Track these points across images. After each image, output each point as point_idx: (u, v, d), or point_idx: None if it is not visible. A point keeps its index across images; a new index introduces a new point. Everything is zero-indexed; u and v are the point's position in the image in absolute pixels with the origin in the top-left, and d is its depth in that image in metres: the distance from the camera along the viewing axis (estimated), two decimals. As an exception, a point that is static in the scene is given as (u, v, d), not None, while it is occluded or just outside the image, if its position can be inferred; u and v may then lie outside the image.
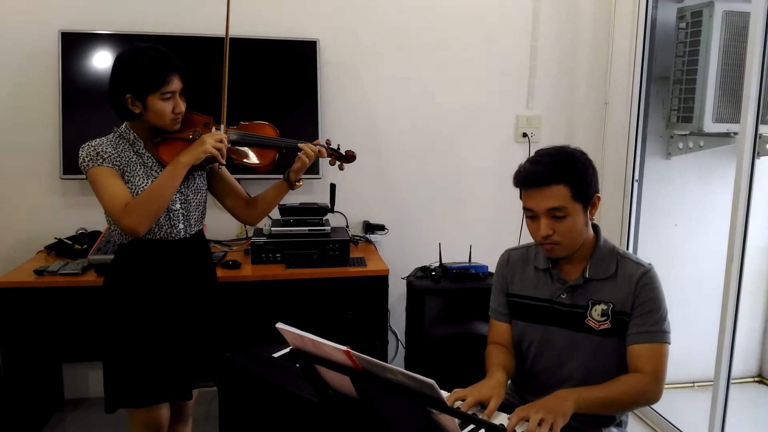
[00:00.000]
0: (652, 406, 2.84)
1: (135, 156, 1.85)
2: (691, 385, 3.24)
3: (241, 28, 2.72)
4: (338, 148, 2.08)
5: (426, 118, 3.20)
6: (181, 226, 1.91)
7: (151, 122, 1.84)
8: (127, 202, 1.77)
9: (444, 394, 1.19)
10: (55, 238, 2.81)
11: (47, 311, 2.55)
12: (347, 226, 3.15)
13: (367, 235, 3.17)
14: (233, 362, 1.58)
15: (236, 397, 1.62)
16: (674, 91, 2.99)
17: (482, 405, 1.45)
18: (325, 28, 3.03)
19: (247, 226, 3.03)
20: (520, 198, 1.63)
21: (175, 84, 1.81)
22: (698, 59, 2.80)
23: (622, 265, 1.61)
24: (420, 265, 2.90)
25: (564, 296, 1.64)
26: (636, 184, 3.09)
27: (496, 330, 1.77)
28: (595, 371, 1.60)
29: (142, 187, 1.82)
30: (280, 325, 1.24)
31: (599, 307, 1.60)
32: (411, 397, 1.11)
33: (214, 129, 1.94)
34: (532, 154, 1.65)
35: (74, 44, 2.78)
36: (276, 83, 2.95)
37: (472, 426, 1.38)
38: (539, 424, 1.33)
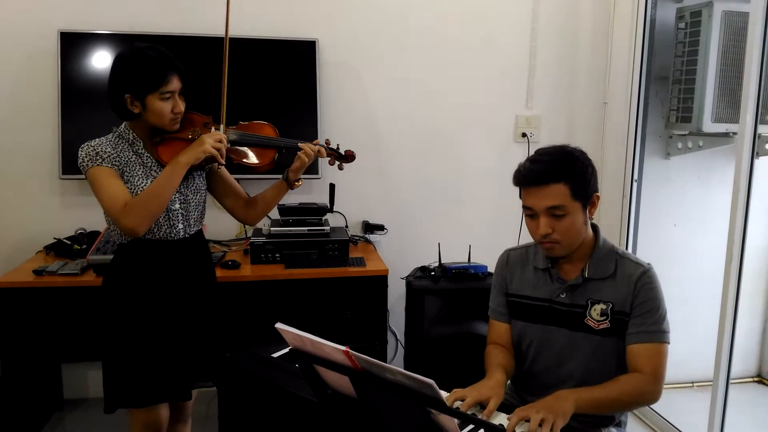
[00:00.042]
0: (652, 406, 2.84)
1: (134, 156, 1.85)
2: (691, 385, 3.24)
3: (241, 28, 2.72)
4: (338, 148, 2.08)
5: (425, 118, 3.20)
6: (181, 226, 1.91)
7: (150, 122, 1.84)
8: (127, 202, 1.77)
9: (443, 394, 1.19)
10: (54, 238, 2.81)
11: (46, 311, 2.55)
12: (346, 226, 3.15)
13: (367, 235, 3.17)
14: (233, 362, 1.58)
15: (236, 397, 1.62)
16: (673, 91, 2.99)
17: (481, 405, 1.45)
18: (324, 28, 3.03)
19: (246, 226, 3.03)
20: (520, 197, 1.63)
21: (175, 84, 1.81)
22: (697, 59, 2.80)
23: (622, 265, 1.61)
24: (419, 265, 2.90)
25: (563, 296, 1.64)
26: (635, 184, 3.09)
27: (496, 330, 1.77)
28: (595, 371, 1.60)
29: (142, 187, 1.82)
30: (279, 325, 1.24)
31: (598, 307, 1.60)
32: (410, 397, 1.11)
33: (213, 129, 1.94)
34: (532, 153, 1.65)
35: (73, 44, 2.78)
36: (275, 83, 2.95)
37: (471, 426, 1.38)
38: (540, 425, 1.33)
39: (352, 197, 3.15)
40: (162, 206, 1.81)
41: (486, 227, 3.31)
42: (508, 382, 1.71)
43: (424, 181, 3.25)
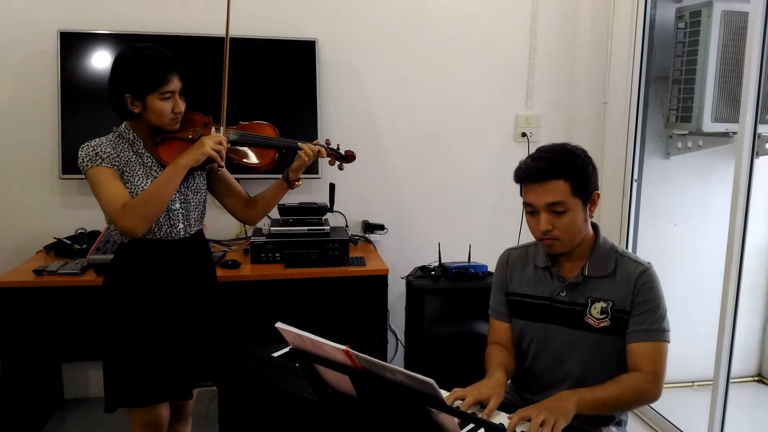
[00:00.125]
0: (652, 406, 2.84)
1: (134, 156, 1.85)
2: (691, 384, 3.24)
3: (240, 28, 2.71)
4: (338, 148, 2.08)
5: (425, 118, 3.21)
6: (181, 225, 1.91)
7: (150, 122, 1.84)
8: (126, 203, 1.77)
9: (443, 393, 1.19)
10: (55, 238, 2.81)
11: (47, 311, 2.55)
12: (346, 226, 3.15)
13: (367, 235, 3.17)
14: (233, 362, 1.58)
15: (236, 396, 1.62)
16: (673, 90, 2.99)
17: (482, 404, 1.45)
18: (324, 28, 3.03)
19: (246, 226, 3.03)
20: (521, 194, 1.63)
21: (175, 84, 1.81)
22: (697, 59, 2.80)
23: (621, 264, 1.62)
24: (419, 265, 2.90)
25: (563, 294, 1.65)
26: (635, 184, 3.09)
27: (496, 329, 1.78)
28: (595, 369, 1.60)
29: (142, 187, 1.82)
30: (279, 325, 1.24)
31: (599, 305, 1.60)
32: (410, 397, 1.11)
33: (213, 129, 1.94)
34: (533, 152, 1.65)
35: (73, 44, 2.78)
36: (275, 83, 2.96)
37: (471, 425, 1.38)
38: (541, 425, 1.33)
39: (352, 197, 3.15)
40: (161, 208, 1.81)
41: (486, 227, 3.31)
42: (509, 381, 1.71)
43: (424, 181, 3.25)
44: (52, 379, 2.95)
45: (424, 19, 3.13)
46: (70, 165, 2.75)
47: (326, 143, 2.06)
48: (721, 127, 2.79)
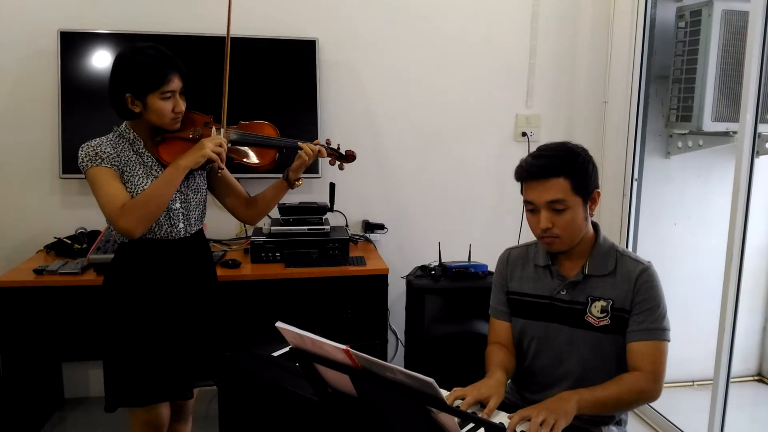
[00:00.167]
0: (652, 405, 2.84)
1: (135, 155, 1.85)
2: (691, 383, 3.24)
3: (240, 28, 2.71)
4: (338, 148, 2.08)
5: (425, 117, 3.21)
6: (181, 225, 1.91)
7: (151, 122, 1.84)
8: (124, 204, 1.77)
9: (443, 393, 1.19)
10: (55, 238, 2.81)
11: (47, 310, 2.55)
12: (347, 225, 3.15)
13: (367, 234, 3.17)
14: (233, 361, 1.58)
15: (236, 396, 1.62)
16: (673, 90, 2.99)
17: (482, 404, 1.45)
18: (324, 27, 3.03)
19: (246, 226, 3.03)
20: (521, 193, 1.64)
21: (175, 83, 1.81)
22: (697, 58, 2.80)
23: (622, 263, 1.62)
24: (419, 264, 2.90)
25: (563, 293, 1.65)
26: (635, 183, 3.09)
27: (497, 328, 1.78)
28: (595, 368, 1.61)
29: (142, 187, 1.82)
30: (279, 324, 1.24)
31: (599, 304, 1.60)
32: (410, 396, 1.11)
33: (214, 128, 1.94)
34: (533, 150, 1.66)
35: (73, 44, 2.78)
36: (275, 82, 2.95)
37: (471, 425, 1.38)
38: (541, 425, 1.33)
39: (353, 196, 3.15)
40: (160, 209, 1.81)
41: (486, 226, 3.31)
42: (509, 381, 1.71)
43: (425, 180, 3.25)
44: (52, 379, 2.95)
45: (424, 19, 3.13)
46: (70, 165, 2.75)
47: (326, 143, 2.06)
48: (721, 127, 2.79)
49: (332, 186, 2.84)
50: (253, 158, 2.00)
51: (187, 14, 2.91)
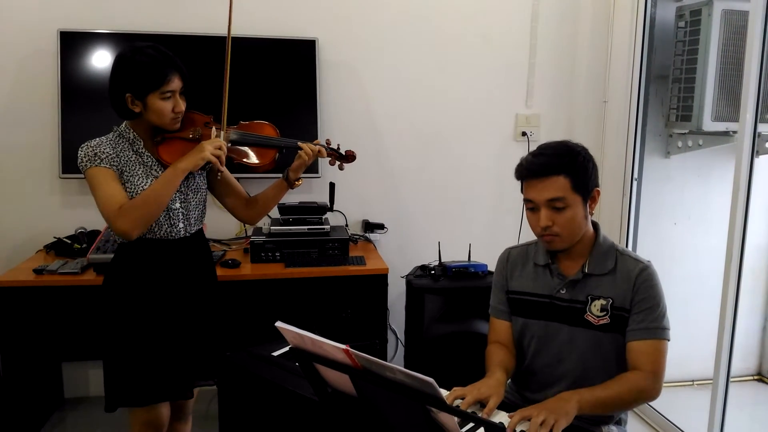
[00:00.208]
0: (652, 405, 2.84)
1: (134, 155, 1.85)
2: (691, 383, 3.24)
3: (240, 27, 2.70)
4: (338, 148, 2.08)
5: (425, 117, 3.21)
6: (181, 225, 1.91)
7: (151, 121, 1.84)
8: (122, 205, 1.76)
9: (443, 392, 1.20)
10: (55, 237, 2.81)
11: (47, 310, 2.55)
12: (346, 225, 3.15)
13: (367, 234, 3.17)
14: (233, 361, 1.58)
15: (236, 395, 1.62)
16: (673, 89, 2.99)
17: (481, 404, 1.45)
18: (323, 27, 3.03)
19: (246, 225, 3.03)
20: (521, 191, 1.64)
21: (175, 83, 1.81)
22: (697, 58, 2.80)
23: (621, 262, 1.62)
24: (419, 264, 2.90)
25: (563, 291, 1.65)
26: (635, 183, 3.09)
27: (497, 328, 1.78)
28: (594, 367, 1.61)
29: (142, 187, 1.82)
30: (279, 324, 1.24)
31: (598, 302, 1.61)
32: (410, 396, 1.11)
33: (214, 128, 1.94)
34: (534, 149, 1.66)
35: (73, 44, 2.78)
36: (275, 82, 2.95)
37: (471, 425, 1.38)
38: (541, 425, 1.33)
39: (352, 196, 3.15)
40: (158, 211, 1.81)
41: (486, 226, 3.31)
42: (509, 381, 1.72)
43: (424, 180, 3.25)
44: (52, 379, 2.95)
45: (424, 18, 3.13)
46: (70, 164, 2.75)
47: (326, 143, 2.06)
48: (721, 126, 2.79)
49: (332, 186, 2.84)
50: (253, 158, 2.00)
51: (187, 14, 2.91)
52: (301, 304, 2.63)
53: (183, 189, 1.91)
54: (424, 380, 1.07)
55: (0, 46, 2.81)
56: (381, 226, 3.18)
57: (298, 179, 2.03)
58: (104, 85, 1.84)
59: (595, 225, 1.68)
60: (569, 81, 3.32)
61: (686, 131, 2.98)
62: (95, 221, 2.74)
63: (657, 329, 1.55)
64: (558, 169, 1.55)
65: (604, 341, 1.60)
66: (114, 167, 1.80)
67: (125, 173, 1.82)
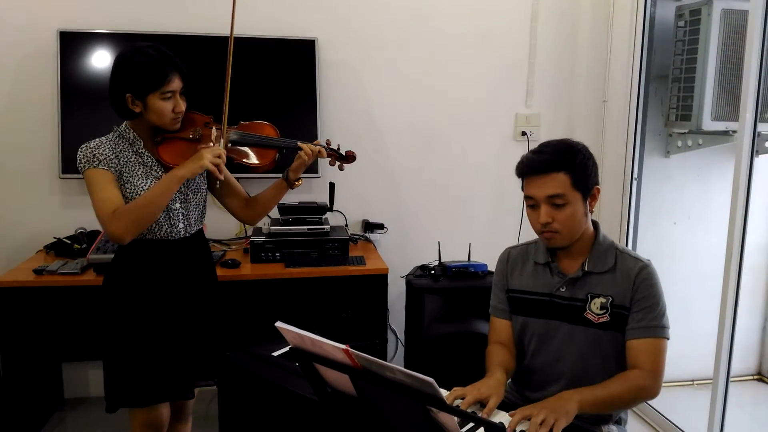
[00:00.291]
0: (652, 404, 2.85)
1: (134, 156, 1.85)
2: (691, 383, 3.24)
3: (239, 27, 2.68)
4: (338, 149, 2.08)
5: (425, 117, 3.21)
6: (181, 225, 1.92)
7: (151, 122, 1.84)
8: (116, 209, 1.76)
9: (443, 392, 1.20)
10: (55, 238, 2.81)
11: (47, 311, 2.55)
12: (346, 225, 3.15)
13: (367, 234, 3.17)
14: (233, 361, 1.58)
15: (236, 395, 1.62)
16: (673, 89, 2.99)
17: (481, 403, 1.45)
18: (323, 27, 3.03)
19: (246, 225, 3.03)
20: (522, 189, 1.64)
21: (176, 83, 1.81)
22: (697, 57, 2.80)
23: (621, 260, 1.62)
24: (419, 264, 2.90)
25: (563, 289, 1.65)
26: (635, 182, 3.10)
27: (497, 327, 1.78)
28: (594, 365, 1.61)
29: (142, 187, 1.82)
30: (279, 324, 1.24)
31: (598, 301, 1.61)
32: (410, 396, 1.11)
33: (214, 128, 1.94)
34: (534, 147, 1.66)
35: (73, 44, 2.78)
36: (274, 82, 2.95)
37: (471, 424, 1.38)
38: (541, 424, 1.33)
39: (352, 196, 3.15)
40: (152, 217, 1.80)
41: (486, 226, 3.31)
42: (509, 380, 1.72)
43: (424, 180, 3.25)
44: (52, 379, 2.95)
45: (423, 18, 3.13)
46: (70, 165, 2.75)
47: (326, 143, 2.06)
48: (720, 126, 2.79)
49: (332, 186, 2.84)
50: (253, 158, 2.00)
51: (187, 14, 2.91)
52: (301, 304, 2.63)
53: (183, 189, 1.90)
54: (424, 380, 1.07)
55: (0, 47, 2.81)
56: (381, 226, 3.18)
57: (298, 179, 2.03)
58: (104, 86, 1.84)
59: (594, 224, 1.68)
60: (569, 81, 3.32)
61: (686, 131, 2.98)
62: (95, 221, 2.69)
63: (656, 328, 1.56)
64: (558, 165, 1.55)
65: (604, 339, 1.61)
66: (112, 169, 1.80)
67: (125, 174, 1.82)
